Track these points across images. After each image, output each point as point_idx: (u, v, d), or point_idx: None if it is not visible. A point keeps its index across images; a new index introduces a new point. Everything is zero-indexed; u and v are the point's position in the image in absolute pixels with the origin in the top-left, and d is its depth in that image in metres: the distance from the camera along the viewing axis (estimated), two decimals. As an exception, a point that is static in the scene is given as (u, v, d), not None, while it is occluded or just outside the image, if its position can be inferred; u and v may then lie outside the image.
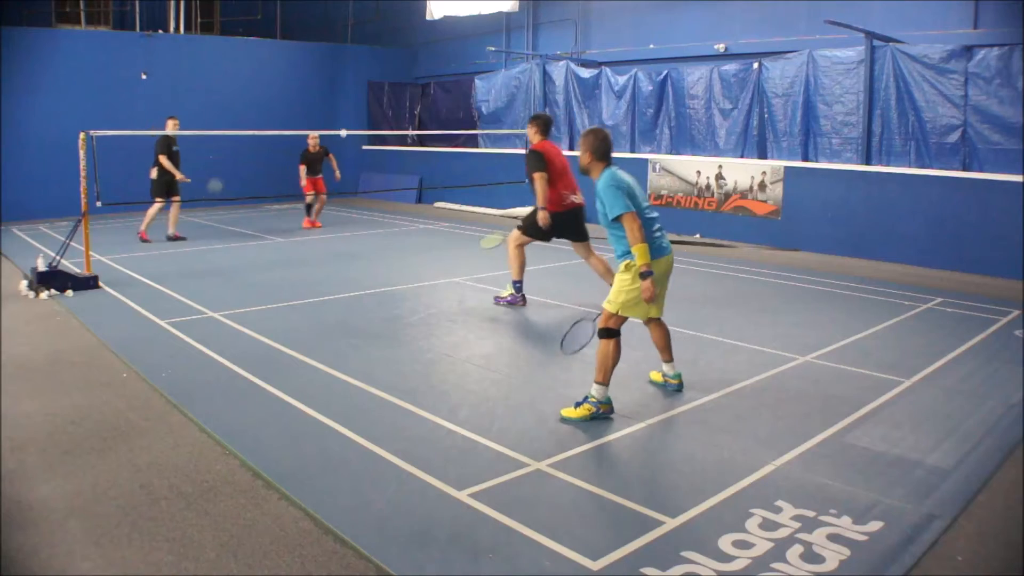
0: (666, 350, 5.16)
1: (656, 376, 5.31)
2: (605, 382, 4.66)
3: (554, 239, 7.61)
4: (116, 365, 5.71)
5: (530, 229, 7.51)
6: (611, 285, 5.10)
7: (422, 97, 18.82)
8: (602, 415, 4.68)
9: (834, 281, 9.16)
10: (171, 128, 11.23)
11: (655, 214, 4.95)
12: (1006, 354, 6.18)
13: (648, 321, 5.09)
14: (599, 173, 4.82)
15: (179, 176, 11.31)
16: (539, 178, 7.28)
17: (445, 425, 4.55)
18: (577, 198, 7.50)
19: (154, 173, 11.35)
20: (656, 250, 4.75)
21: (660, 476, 3.94)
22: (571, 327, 5.08)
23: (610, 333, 4.73)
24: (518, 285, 7.70)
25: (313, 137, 13.06)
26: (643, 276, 4.58)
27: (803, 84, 11.73)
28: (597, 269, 7.52)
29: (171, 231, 11.77)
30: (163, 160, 11.20)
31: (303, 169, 13.09)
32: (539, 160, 7.31)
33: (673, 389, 5.18)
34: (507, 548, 3.22)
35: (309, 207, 13.38)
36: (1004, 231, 9.56)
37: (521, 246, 7.66)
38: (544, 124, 7.66)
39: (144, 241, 11.53)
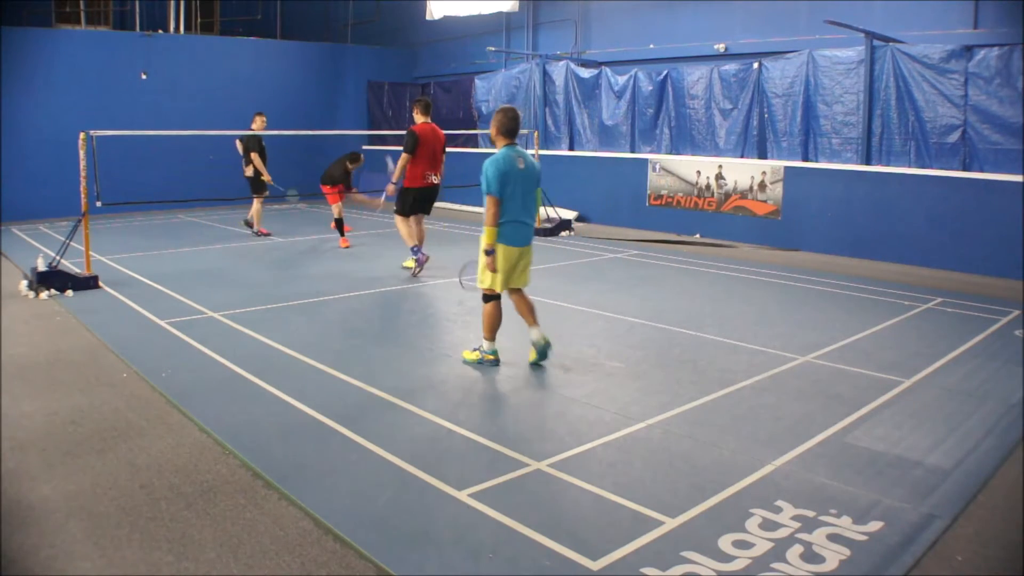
0: (530, 315, 5.60)
1: (533, 356, 5.65)
2: (490, 338, 5.58)
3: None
4: (116, 365, 5.71)
5: (400, 210, 8.88)
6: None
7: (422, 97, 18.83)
8: (488, 363, 5.61)
9: (834, 281, 9.15)
10: (260, 125, 11.52)
11: (521, 205, 5.38)
12: (1006, 354, 6.18)
13: (510, 293, 5.63)
14: (498, 148, 5.46)
15: (266, 176, 11.67)
16: (402, 158, 8.60)
17: (445, 425, 4.55)
18: (435, 179, 8.84)
19: (250, 171, 11.68)
20: (504, 237, 5.35)
21: (659, 476, 3.94)
22: (464, 266, 6.71)
23: (487, 298, 5.53)
24: (416, 248, 8.89)
25: (353, 163, 11.55)
26: (486, 252, 5.38)
27: (803, 84, 11.73)
28: (415, 228, 9.00)
29: (256, 227, 12.17)
30: (255, 158, 11.53)
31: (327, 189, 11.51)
32: (412, 141, 8.55)
33: (538, 353, 5.58)
34: (507, 548, 3.22)
35: (340, 226, 11.58)
36: (1004, 231, 9.56)
37: (405, 223, 8.90)
38: (424, 106, 8.85)
39: (264, 235, 12.12)
